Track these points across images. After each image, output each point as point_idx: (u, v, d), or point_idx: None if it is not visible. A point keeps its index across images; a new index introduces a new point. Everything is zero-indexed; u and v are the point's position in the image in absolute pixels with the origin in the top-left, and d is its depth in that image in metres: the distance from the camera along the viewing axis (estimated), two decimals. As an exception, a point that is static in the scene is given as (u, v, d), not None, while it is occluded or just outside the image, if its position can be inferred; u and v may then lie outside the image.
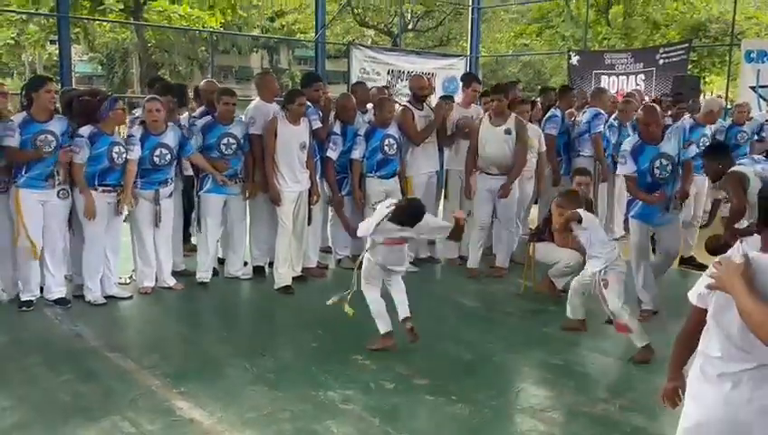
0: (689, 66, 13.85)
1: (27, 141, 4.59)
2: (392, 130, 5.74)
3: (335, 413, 3.27)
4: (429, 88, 6.92)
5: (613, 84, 11.89)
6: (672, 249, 5.04)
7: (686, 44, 11.95)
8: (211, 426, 3.15)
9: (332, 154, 5.70)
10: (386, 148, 5.64)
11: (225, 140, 5.30)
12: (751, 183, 4.10)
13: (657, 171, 4.67)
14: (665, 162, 4.66)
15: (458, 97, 6.94)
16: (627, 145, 4.82)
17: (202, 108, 5.86)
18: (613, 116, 7.10)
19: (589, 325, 4.44)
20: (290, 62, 38.55)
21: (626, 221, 7.09)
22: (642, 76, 11.57)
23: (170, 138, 5.12)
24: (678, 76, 10.76)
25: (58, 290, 4.89)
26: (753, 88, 10.35)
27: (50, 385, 3.55)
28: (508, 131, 5.70)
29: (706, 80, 22.31)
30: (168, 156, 5.10)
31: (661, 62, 11.40)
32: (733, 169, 4.33)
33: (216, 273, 5.64)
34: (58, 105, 5.07)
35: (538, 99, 7.96)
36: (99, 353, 4.00)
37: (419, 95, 6.20)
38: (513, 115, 5.76)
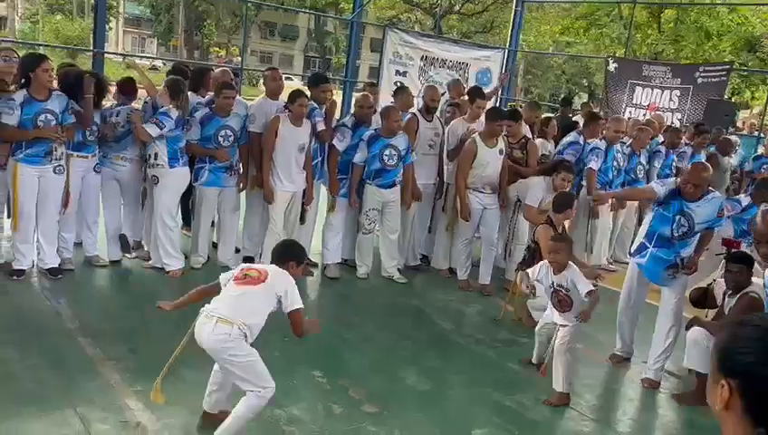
0: (737, 80, 13.38)
1: (28, 121, 4.71)
2: (397, 140, 5.67)
3: (276, 435, 3.37)
4: (462, 92, 6.93)
5: (647, 96, 11.65)
6: (671, 308, 4.46)
7: (728, 66, 11.60)
8: (155, 434, 3.27)
9: (338, 144, 5.69)
10: (385, 157, 5.63)
11: (222, 133, 5.37)
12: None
13: (675, 228, 4.31)
14: (683, 221, 4.27)
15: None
16: (666, 184, 4.40)
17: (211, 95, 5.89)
18: (627, 142, 6.98)
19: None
20: (335, 26, 38.39)
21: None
22: (678, 92, 11.28)
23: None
24: (713, 100, 10.47)
25: (51, 261, 5.07)
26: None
27: (14, 369, 3.70)
28: (501, 151, 5.78)
29: (755, 95, 21.61)
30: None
31: (699, 80, 11.07)
32: (753, 290, 4.04)
33: (209, 258, 5.76)
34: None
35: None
36: (71, 337, 4.16)
37: (430, 106, 6.17)
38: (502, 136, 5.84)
